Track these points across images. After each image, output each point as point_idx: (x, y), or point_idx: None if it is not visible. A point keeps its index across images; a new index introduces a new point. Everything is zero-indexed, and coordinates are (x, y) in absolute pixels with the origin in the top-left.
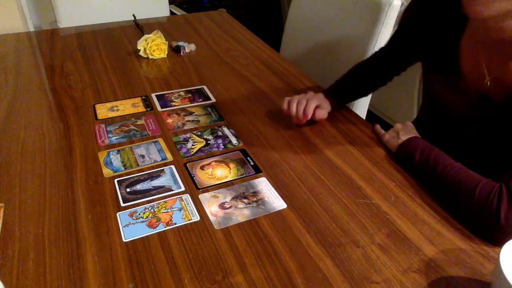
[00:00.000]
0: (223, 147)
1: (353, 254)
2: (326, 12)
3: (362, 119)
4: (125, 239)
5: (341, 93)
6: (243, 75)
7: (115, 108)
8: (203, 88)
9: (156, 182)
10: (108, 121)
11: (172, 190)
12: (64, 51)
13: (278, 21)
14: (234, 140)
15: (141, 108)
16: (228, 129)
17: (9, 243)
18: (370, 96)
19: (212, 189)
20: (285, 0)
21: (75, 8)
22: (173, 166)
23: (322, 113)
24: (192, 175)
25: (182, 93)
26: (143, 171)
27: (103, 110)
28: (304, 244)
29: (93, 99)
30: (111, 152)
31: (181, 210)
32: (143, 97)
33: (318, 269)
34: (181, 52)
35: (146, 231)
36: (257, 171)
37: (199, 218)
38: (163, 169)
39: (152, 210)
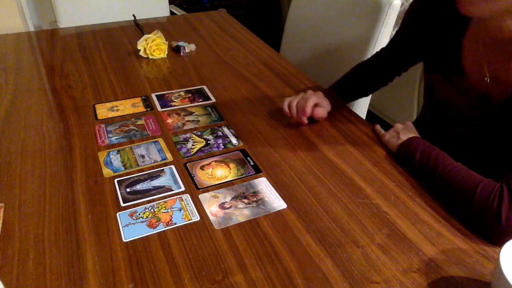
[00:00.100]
0: (223, 147)
1: (353, 254)
2: (326, 12)
3: (362, 119)
4: (125, 239)
5: (341, 92)
6: (243, 75)
7: (115, 108)
8: (203, 88)
9: (156, 182)
10: (108, 121)
11: (172, 190)
12: (64, 51)
13: (278, 21)
14: (234, 140)
15: (141, 108)
16: (228, 129)
17: (9, 243)
18: (370, 96)
19: (212, 189)
20: (285, 0)
21: (75, 8)
22: (173, 166)
23: (321, 112)
24: (192, 175)
25: (182, 93)
26: (143, 171)
27: (103, 110)
28: (304, 244)
29: (93, 99)
30: (111, 152)
31: (181, 210)
32: (143, 97)
33: (318, 269)
34: (181, 52)
35: (146, 231)
36: (257, 171)
37: (199, 218)
38: (163, 169)
39: (152, 210)
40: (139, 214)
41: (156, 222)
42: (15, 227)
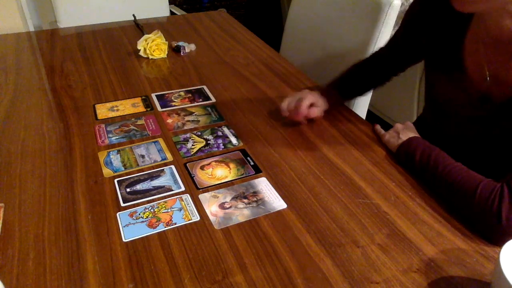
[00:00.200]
0: (223, 147)
1: (353, 254)
2: (326, 12)
3: (362, 119)
4: (125, 239)
5: (339, 90)
6: (243, 75)
7: (115, 108)
8: (203, 88)
9: (156, 182)
10: (108, 121)
11: (172, 190)
12: (64, 51)
13: (278, 21)
14: (234, 140)
15: (141, 108)
16: (228, 129)
17: (9, 243)
18: (370, 96)
19: (212, 189)
20: (285, 0)
21: (75, 8)
22: (173, 166)
23: (316, 112)
24: (192, 175)
25: (182, 93)
26: (143, 171)
27: (103, 110)
28: (304, 244)
29: (93, 99)
30: (111, 152)
31: (181, 210)
32: (143, 97)
33: (318, 269)
34: (181, 52)
35: (146, 231)
36: (257, 171)
37: (199, 218)
38: (163, 169)
39: (152, 210)
40: (139, 214)
41: (156, 222)
42: (15, 227)
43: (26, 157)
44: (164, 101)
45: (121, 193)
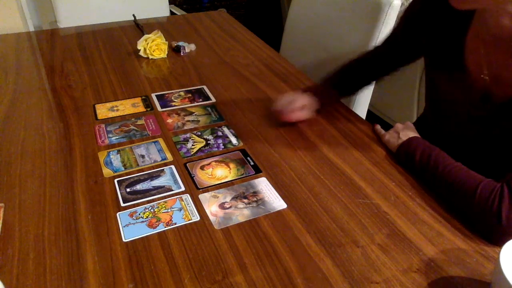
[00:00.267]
0: (223, 147)
1: (353, 254)
2: (326, 12)
3: (362, 119)
4: (125, 239)
5: (334, 85)
6: (243, 75)
7: (115, 108)
8: (203, 88)
9: (156, 182)
10: (108, 121)
11: (172, 190)
12: (64, 51)
13: (278, 21)
14: (234, 140)
15: (141, 108)
16: (228, 129)
17: (9, 243)
18: (370, 96)
19: (212, 189)
20: (285, 0)
21: (75, 8)
22: (173, 166)
23: (303, 116)
24: (192, 175)
25: (182, 93)
26: (143, 171)
27: (103, 110)
28: (304, 244)
29: (93, 99)
30: (111, 152)
31: (181, 210)
32: (143, 97)
33: (318, 269)
34: (181, 52)
35: (146, 231)
36: (257, 171)
37: (199, 218)
38: (163, 169)
39: (152, 210)
40: (139, 214)
41: (156, 222)
42: (15, 227)
43: (26, 157)
44: (164, 101)
45: (121, 193)
